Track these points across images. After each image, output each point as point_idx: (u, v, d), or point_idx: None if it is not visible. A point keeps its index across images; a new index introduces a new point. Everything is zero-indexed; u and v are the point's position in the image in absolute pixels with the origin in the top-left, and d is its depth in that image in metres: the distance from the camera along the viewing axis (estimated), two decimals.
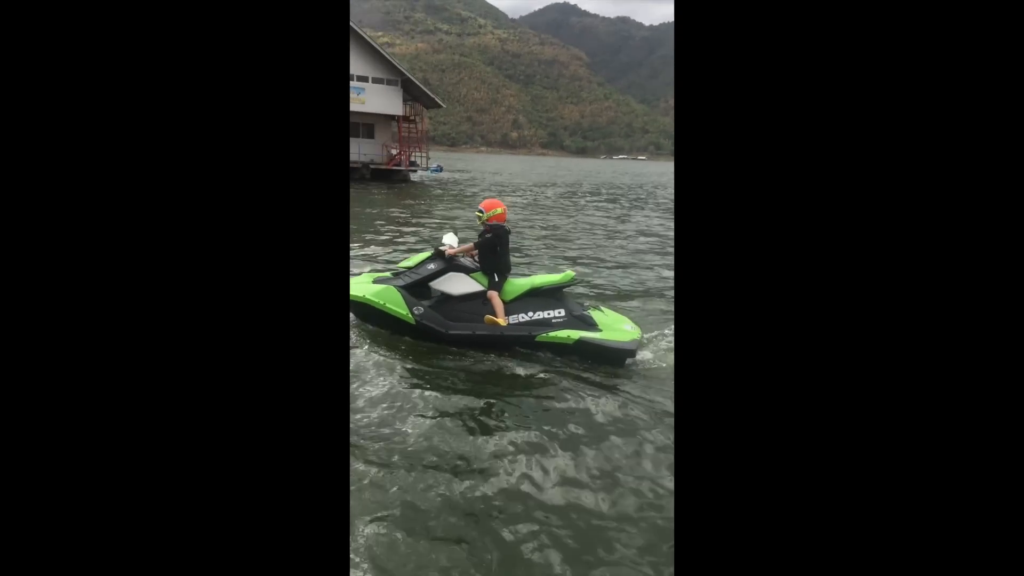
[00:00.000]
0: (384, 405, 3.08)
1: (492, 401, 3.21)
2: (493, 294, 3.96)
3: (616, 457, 2.67)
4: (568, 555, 2.04)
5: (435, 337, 3.94)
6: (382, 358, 3.67)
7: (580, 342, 3.78)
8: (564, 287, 4.13)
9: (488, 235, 3.99)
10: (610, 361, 3.77)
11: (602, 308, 4.23)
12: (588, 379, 3.55)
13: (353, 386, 3.26)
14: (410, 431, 2.81)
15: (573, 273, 4.19)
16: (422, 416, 2.95)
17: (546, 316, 3.95)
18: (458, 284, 4.06)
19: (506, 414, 3.08)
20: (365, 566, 1.94)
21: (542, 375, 3.59)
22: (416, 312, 3.93)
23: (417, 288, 4.06)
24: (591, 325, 3.90)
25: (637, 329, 4.00)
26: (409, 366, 3.61)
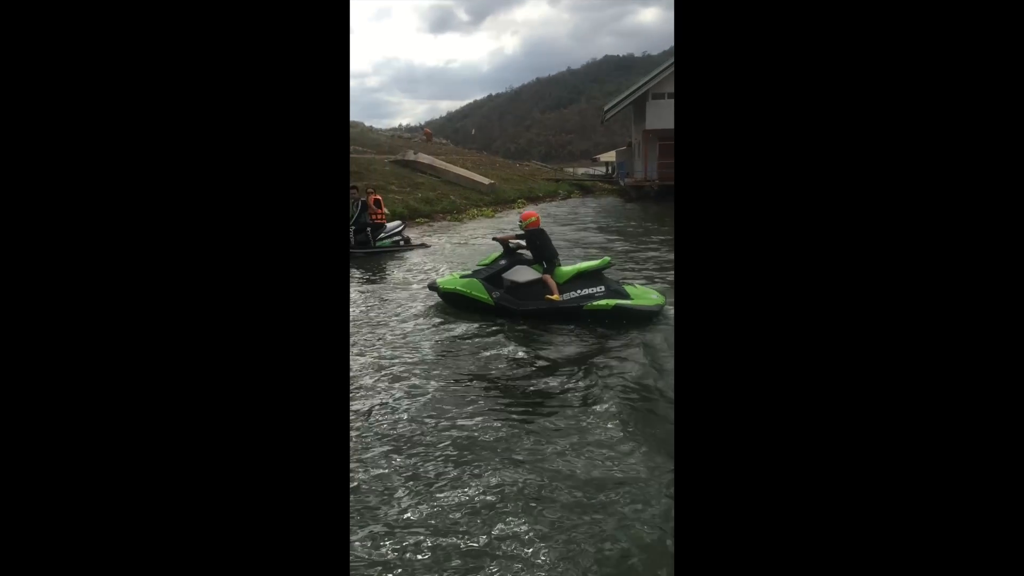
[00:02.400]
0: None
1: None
2: (547, 277, 5.33)
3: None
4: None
5: (509, 314, 5.26)
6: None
7: (616, 307, 4.99)
8: (603, 270, 5.43)
9: (526, 236, 5.49)
10: (640, 321, 4.96)
11: (634, 284, 5.56)
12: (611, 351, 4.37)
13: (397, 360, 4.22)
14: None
15: (609, 259, 5.57)
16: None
17: (590, 292, 5.21)
18: (522, 274, 5.50)
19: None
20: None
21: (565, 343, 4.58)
22: (495, 296, 5.36)
23: (494, 279, 5.47)
24: (624, 296, 5.11)
25: (662, 298, 5.19)
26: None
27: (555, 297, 5.17)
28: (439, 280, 5.81)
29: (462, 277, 5.61)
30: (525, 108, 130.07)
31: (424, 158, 20.89)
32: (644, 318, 4.98)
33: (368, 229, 9.75)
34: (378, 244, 9.74)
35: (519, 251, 5.61)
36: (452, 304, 5.68)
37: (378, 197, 10.35)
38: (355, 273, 7.74)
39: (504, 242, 5.71)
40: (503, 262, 5.59)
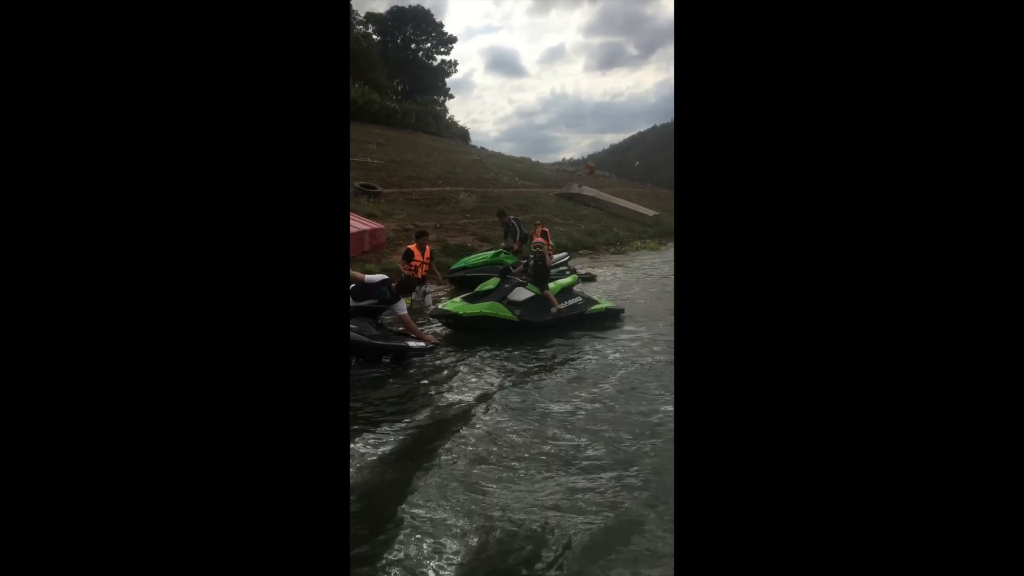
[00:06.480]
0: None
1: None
2: (547, 293, 6.47)
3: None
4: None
5: (531, 328, 6.13)
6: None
7: (607, 309, 6.95)
8: (574, 286, 7.15)
9: (536, 257, 6.66)
10: (615, 317, 7.04)
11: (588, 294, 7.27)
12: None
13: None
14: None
15: (577, 276, 8.03)
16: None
17: (574, 302, 6.73)
18: (523, 294, 6.38)
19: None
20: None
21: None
22: (517, 314, 6.11)
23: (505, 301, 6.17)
24: (596, 302, 6.99)
25: (610, 301, 7.33)
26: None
27: (559, 308, 6.47)
28: (450, 307, 6.05)
29: (471, 301, 6.19)
30: None
31: (588, 191, 21.21)
32: (616, 315, 7.05)
33: None
34: None
35: (509, 275, 6.71)
36: (466, 329, 6.04)
37: (545, 229, 10.69)
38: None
39: (505, 271, 7.02)
40: (507, 286, 6.43)
